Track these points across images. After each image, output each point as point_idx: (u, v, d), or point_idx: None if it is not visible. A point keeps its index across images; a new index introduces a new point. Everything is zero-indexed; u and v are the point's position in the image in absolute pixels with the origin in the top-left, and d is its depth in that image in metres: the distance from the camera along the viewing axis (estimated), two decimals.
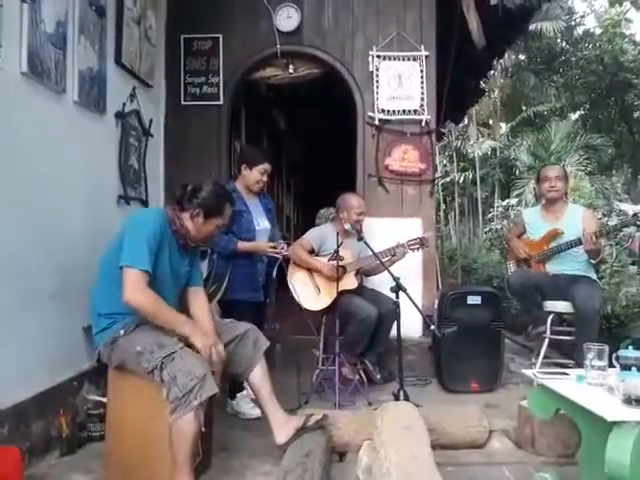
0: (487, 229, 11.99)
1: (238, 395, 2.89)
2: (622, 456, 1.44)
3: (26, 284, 2.27)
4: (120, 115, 3.21)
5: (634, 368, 1.68)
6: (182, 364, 1.95)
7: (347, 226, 3.21)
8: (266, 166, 3.07)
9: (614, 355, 1.83)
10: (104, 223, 2.77)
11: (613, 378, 1.72)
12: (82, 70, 2.75)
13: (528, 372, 2.08)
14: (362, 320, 3.19)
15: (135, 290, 2.00)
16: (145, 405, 2.07)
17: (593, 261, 3.40)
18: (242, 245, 2.95)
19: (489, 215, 12.95)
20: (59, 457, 2.33)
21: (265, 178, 3.09)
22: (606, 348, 1.85)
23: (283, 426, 2.27)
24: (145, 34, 3.51)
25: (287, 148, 8.82)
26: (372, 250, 3.08)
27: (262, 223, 3.11)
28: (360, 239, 3.07)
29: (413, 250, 3.47)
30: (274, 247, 3.01)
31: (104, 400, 2.36)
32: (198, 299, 2.35)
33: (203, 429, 1.98)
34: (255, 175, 3.04)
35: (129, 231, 2.10)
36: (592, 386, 1.79)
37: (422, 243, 3.48)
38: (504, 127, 15.11)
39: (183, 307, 2.30)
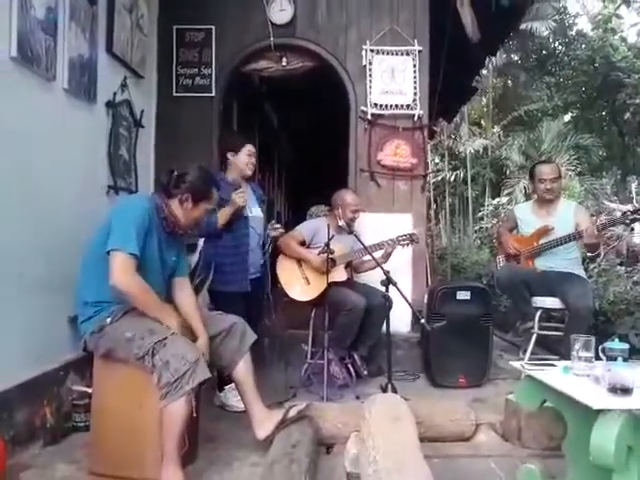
0: (477, 228, 12.06)
1: (226, 387, 2.88)
2: (607, 444, 1.46)
3: (12, 273, 2.23)
4: (111, 105, 3.17)
5: (620, 358, 1.70)
6: (175, 349, 1.94)
7: (341, 222, 3.24)
8: (250, 147, 3.10)
9: (600, 348, 1.85)
10: (93, 213, 2.71)
11: (599, 369, 1.73)
12: (72, 57, 2.70)
13: (516, 364, 2.09)
14: (350, 310, 3.19)
15: (123, 274, 1.97)
16: (131, 394, 2.06)
17: (591, 254, 3.40)
18: (222, 214, 2.84)
19: (479, 214, 13.02)
20: (43, 447, 2.31)
21: (253, 160, 3.12)
22: (593, 340, 1.87)
23: (263, 421, 2.26)
24: (137, 23, 3.48)
25: (279, 144, 8.80)
26: (362, 243, 3.09)
27: (255, 211, 3.11)
28: (350, 232, 3.08)
29: (403, 246, 3.49)
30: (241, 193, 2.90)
31: (89, 390, 2.34)
32: (184, 290, 2.33)
33: (194, 414, 1.97)
34: (243, 158, 3.06)
35: (116, 217, 2.08)
36: (578, 377, 1.80)
37: (412, 239, 3.51)
38: (496, 127, 15.18)
39: (169, 297, 2.28)
